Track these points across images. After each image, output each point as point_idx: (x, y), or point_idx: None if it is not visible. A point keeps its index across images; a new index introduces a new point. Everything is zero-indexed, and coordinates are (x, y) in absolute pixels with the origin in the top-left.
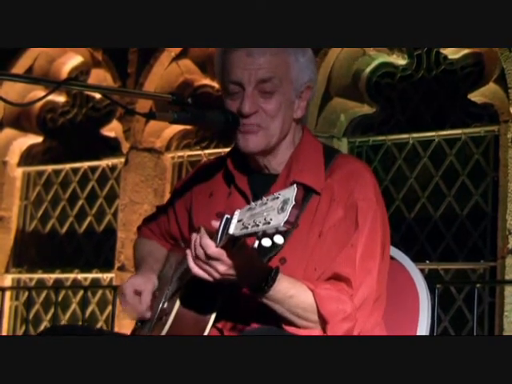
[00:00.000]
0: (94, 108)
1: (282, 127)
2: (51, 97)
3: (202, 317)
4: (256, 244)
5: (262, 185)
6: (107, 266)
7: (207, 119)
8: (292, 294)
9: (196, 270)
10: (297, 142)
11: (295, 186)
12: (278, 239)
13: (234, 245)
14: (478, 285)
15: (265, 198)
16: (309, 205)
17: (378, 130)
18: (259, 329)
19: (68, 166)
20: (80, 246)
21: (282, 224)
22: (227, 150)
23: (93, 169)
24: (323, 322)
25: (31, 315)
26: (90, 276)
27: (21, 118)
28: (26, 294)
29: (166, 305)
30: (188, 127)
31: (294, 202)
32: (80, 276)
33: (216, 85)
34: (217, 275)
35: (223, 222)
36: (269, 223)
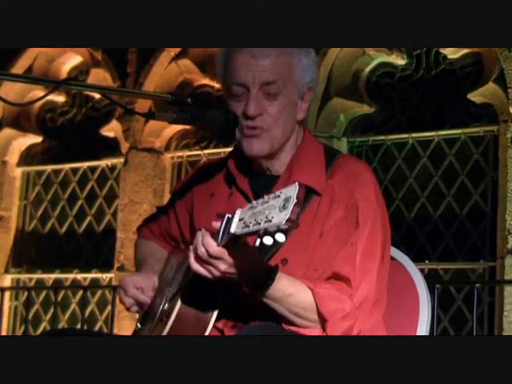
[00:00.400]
0: (93, 108)
1: (285, 130)
2: (51, 97)
3: (203, 317)
4: (257, 242)
5: (263, 186)
6: (107, 266)
7: (207, 119)
8: (291, 292)
9: (197, 267)
10: (299, 143)
11: (297, 183)
12: (280, 237)
13: (235, 243)
14: (477, 285)
15: (266, 197)
16: (309, 205)
17: (377, 129)
18: (256, 325)
19: (67, 166)
20: (79, 246)
21: (284, 222)
22: (227, 150)
23: (92, 169)
24: (323, 320)
25: (31, 315)
26: (90, 276)
27: (20, 118)
28: (26, 294)
29: (166, 306)
30: (187, 127)
31: (295, 200)
32: (79, 276)
33: (216, 84)
34: (218, 273)
35: (224, 221)
36: (270, 221)
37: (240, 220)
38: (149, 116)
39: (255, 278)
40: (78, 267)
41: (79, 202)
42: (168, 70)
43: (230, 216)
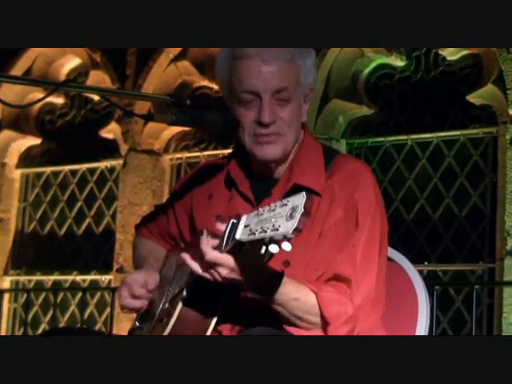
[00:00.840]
0: (92, 110)
1: (296, 133)
2: (50, 98)
3: (204, 319)
4: (263, 250)
5: (264, 188)
6: (106, 268)
7: (206, 121)
8: (295, 296)
9: (197, 270)
10: (299, 144)
11: (304, 193)
12: (286, 246)
13: (239, 249)
14: (476, 286)
15: (273, 204)
16: None
17: (376, 131)
18: (256, 329)
19: (67, 168)
20: (79, 247)
21: (291, 231)
22: (226, 151)
23: (91, 170)
24: (325, 323)
25: (30, 317)
26: (89, 278)
27: (19, 120)
28: (25, 295)
29: (166, 306)
30: (186, 129)
31: (303, 210)
32: (79, 278)
33: (215, 86)
34: (219, 278)
35: (229, 227)
36: (277, 230)
37: (246, 227)
38: (148, 118)
39: (261, 283)
40: (77, 269)
41: (78, 204)
42: (167, 71)
43: (234, 221)
